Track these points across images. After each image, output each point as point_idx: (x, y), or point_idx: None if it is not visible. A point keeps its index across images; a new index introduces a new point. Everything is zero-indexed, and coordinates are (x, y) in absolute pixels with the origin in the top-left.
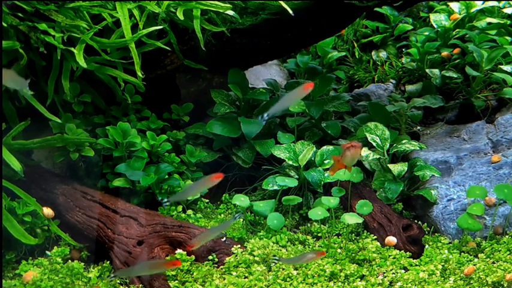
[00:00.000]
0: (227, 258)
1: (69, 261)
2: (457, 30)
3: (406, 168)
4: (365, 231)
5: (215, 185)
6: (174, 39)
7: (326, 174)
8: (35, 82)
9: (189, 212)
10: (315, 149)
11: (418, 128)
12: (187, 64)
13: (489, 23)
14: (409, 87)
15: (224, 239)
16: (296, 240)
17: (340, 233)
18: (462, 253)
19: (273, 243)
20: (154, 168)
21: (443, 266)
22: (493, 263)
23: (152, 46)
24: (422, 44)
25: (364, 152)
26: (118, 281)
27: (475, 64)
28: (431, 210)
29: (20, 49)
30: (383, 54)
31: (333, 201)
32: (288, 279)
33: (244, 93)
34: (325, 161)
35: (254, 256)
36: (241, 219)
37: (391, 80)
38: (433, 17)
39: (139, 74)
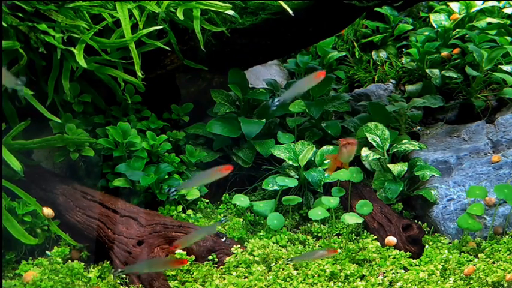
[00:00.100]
0: (227, 258)
1: (69, 261)
2: (457, 30)
3: (406, 168)
4: (365, 231)
5: (215, 185)
6: (174, 39)
7: (326, 175)
8: (35, 82)
9: (189, 212)
10: (315, 149)
11: (418, 128)
12: (187, 64)
13: (489, 23)
14: (409, 87)
15: (224, 239)
16: (296, 240)
17: (340, 233)
18: (462, 253)
19: (273, 243)
20: (154, 168)
21: (443, 266)
22: (493, 263)
23: (152, 46)
24: (422, 44)
25: (364, 152)
26: (118, 281)
27: (475, 64)
28: (431, 210)
29: (20, 49)
30: (383, 54)
31: (333, 201)
32: (288, 279)
33: (244, 93)
34: (325, 161)
35: (254, 256)
36: (226, 222)
37: (391, 80)
38: (433, 17)
39: (139, 74)
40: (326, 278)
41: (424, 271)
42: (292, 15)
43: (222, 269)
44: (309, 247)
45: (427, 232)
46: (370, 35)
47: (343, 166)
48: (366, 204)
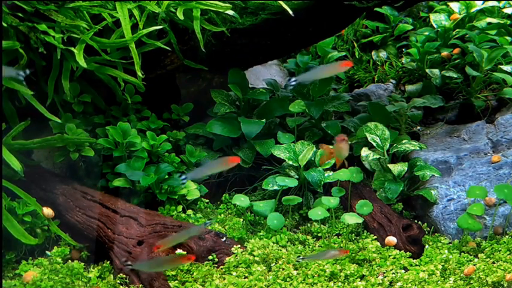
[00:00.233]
0: (227, 258)
1: (69, 261)
2: (457, 30)
3: (406, 168)
4: (365, 231)
5: (215, 185)
6: (174, 39)
7: (326, 175)
8: (35, 82)
9: (189, 212)
10: (315, 149)
11: (418, 128)
12: (187, 64)
13: (489, 23)
14: (409, 87)
15: (224, 239)
16: (296, 240)
17: (340, 233)
18: (462, 253)
19: (273, 243)
20: (154, 168)
21: (443, 266)
22: (493, 263)
23: (152, 46)
24: (422, 44)
25: (364, 152)
26: (118, 281)
27: (475, 64)
28: (431, 210)
29: (20, 49)
30: (383, 54)
31: (333, 201)
32: (288, 279)
33: (244, 93)
34: (326, 162)
35: (254, 256)
36: (210, 225)
37: (391, 80)
38: (433, 17)
39: (139, 74)
40: (326, 278)
41: (424, 271)
42: (292, 15)
43: (222, 269)
44: (309, 247)
45: (427, 232)
46: (370, 35)
47: (336, 162)
48: (366, 204)
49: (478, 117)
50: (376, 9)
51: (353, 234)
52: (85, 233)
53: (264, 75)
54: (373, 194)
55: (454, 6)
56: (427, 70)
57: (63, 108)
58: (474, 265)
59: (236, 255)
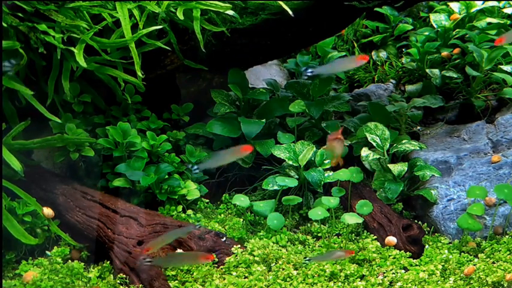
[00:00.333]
0: (227, 258)
1: (69, 261)
2: (457, 30)
3: (406, 168)
4: (365, 231)
5: (215, 185)
6: (174, 39)
7: (326, 175)
8: (35, 82)
9: (189, 212)
10: (315, 149)
11: (418, 128)
12: (187, 64)
13: (489, 23)
14: (409, 87)
15: (224, 239)
16: (296, 240)
17: (340, 233)
18: (462, 253)
19: (273, 243)
20: (154, 168)
21: (443, 266)
22: (493, 263)
23: (152, 46)
24: (422, 44)
25: (364, 152)
26: (118, 281)
27: (475, 64)
28: (431, 210)
29: (20, 49)
30: (383, 54)
31: (333, 201)
32: (288, 279)
33: (244, 93)
34: (325, 161)
35: (254, 256)
36: (199, 227)
37: (391, 80)
38: (433, 17)
39: (139, 74)
40: (326, 278)
41: (424, 271)
42: (292, 15)
43: (222, 269)
44: (309, 247)
45: (427, 232)
46: (370, 35)
47: (337, 160)
48: (366, 204)
49: (478, 117)
50: (376, 9)
51: (353, 234)
52: (85, 233)
53: (264, 75)
54: (373, 194)
55: (454, 6)
56: (427, 70)
57: (63, 108)
58: (474, 265)
59: (236, 255)
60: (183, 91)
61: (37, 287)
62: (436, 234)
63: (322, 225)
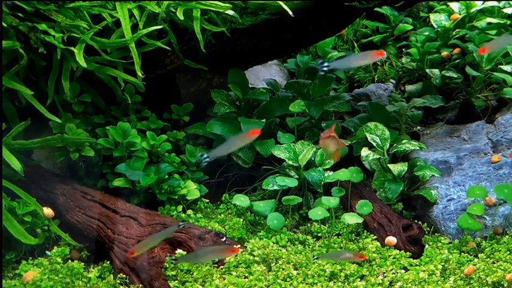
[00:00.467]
0: (227, 258)
1: (69, 261)
2: (457, 30)
3: (406, 168)
4: (365, 231)
5: (215, 185)
6: (174, 39)
7: (326, 175)
8: (35, 82)
9: (189, 212)
10: (315, 149)
11: (418, 128)
12: (187, 64)
13: (489, 23)
14: (409, 87)
15: (224, 239)
16: (296, 240)
17: (340, 233)
18: (462, 253)
19: (273, 243)
20: (154, 168)
21: (443, 266)
22: (493, 263)
23: (152, 46)
24: (422, 44)
25: (364, 152)
26: (118, 281)
27: (475, 64)
28: (431, 210)
29: (20, 49)
30: None
31: (333, 201)
32: (288, 279)
33: (244, 93)
34: (325, 161)
35: (254, 256)
36: (184, 226)
37: (391, 80)
38: (433, 17)
39: (139, 74)
40: (326, 278)
41: (424, 271)
42: (292, 15)
43: (222, 269)
44: (309, 247)
45: (427, 232)
46: (370, 35)
47: (334, 157)
48: (366, 204)
49: (478, 117)
50: (376, 9)
51: (353, 234)
52: (85, 233)
53: (264, 75)
54: (373, 194)
55: (454, 6)
56: (427, 70)
57: (63, 108)
58: (474, 265)
59: (236, 255)
60: (183, 91)
61: (37, 287)
62: (436, 234)
63: (322, 225)
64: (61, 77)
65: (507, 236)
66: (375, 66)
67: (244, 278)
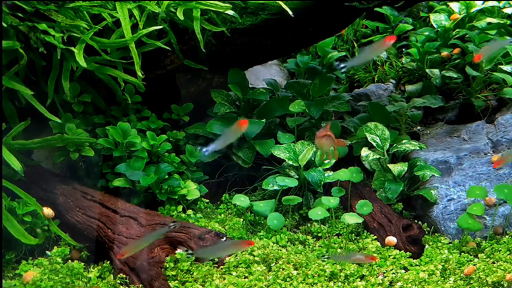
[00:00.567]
0: (227, 258)
1: (69, 261)
2: (457, 30)
3: (406, 168)
4: (365, 231)
5: (215, 185)
6: (174, 39)
7: (326, 175)
8: (35, 82)
9: (189, 212)
10: (315, 149)
11: (418, 128)
12: (187, 64)
13: (489, 23)
14: (409, 87)
15: (224, 239)
16: (296, 240)
17: (340, 233)
18: (462, 253)
19: (273, 243)
20: (154, 168)
21: (443, 266)
22: (493, 263)
23: (152, 46)
24: (422, 44)
25: (364, 152)
26: (118, 281)
27: (475, 64)
28: (431, 210)
29: (20, 49)
30: (383, 54)
31: (333, 201)
32: (288, 279)
33: (244, 93)
34: (325, 161)
35: (254, 256)
36: (174, 227)
37: (391, 80)
38: (433, 17)
39: (139, 74)
40: (326, 278)
41: (424, 271)
42: (292, 15)
43: (222, 269)
44: (309, 247)
45: (427, 232)
46: (370, 35)
47: (330, 156)
48: (366, 204)
49: (478, 117)
50: (376, 9)
51: (353, 234)
52: (85, 233)
53: (264, 75)
54: (373, 194)
55: (454, 6)
56: (427, 70)
57: (63, 108)
58: (474, 265)
59: (236, 255)
60: (183, 91)
61: (37, 287)
62: (436, 234)
63: (322, 225)
64: (61, 77)
65: (507, 236)
66: (375, 66)
67: (244, 278)
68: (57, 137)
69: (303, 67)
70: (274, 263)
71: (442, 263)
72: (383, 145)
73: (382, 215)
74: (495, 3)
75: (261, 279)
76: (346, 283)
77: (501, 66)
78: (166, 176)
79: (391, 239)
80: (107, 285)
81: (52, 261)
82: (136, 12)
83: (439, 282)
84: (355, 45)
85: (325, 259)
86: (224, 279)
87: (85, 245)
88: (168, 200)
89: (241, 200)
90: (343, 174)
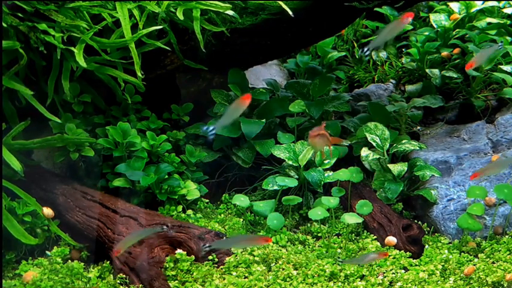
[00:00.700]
0: (227, 258)
1: (69, 261)
2: (457, 30)
3: (406, 168)
4: (365, 231)
5: (215, 185)
6: (174, 39)
7: (326, 175)
8: (35, 82)
9: (189, 212)
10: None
11: (418, 128)
12: (187, 64)
13: (489, 23)
14: (409, 87)
15: (224, 239)
16: (296, 240)
17: (340, 233)
18: (462, 253)
19: (273, 243)
20: (154, 168)
21: (443, 266)
22: (493, 263)
23: (152, 46)
24: (422, 44)
25: (364, 152)
26: (118, 281)
27: None
28: (431, 210)
29: (20, 49)
30: (383, 54)
31: (333, 201)
32: (288, 279)
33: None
34: (325, 161)
35: (254, 256)
36: (164, 229)
37: (391, 80)
38: (433, 17)
39: (139, 74)
40: (326, 278)
41: (424, 271)
42: (292, 15)
43: (222, 269)
44: (309, 247)
45: (427, 232)
46: (370, 35)
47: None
48: (366, 204)
49: (478, 117)
50: (376, 9)
51: (353, 234)
52: (85, 233)
53: (264, 75)
54: (373, 194)
55: (454, 6)
56: (427, 70)
57: (63, 108)
58: (474, 265)
59: (236, 255)
60: (183, 91)
61: (37, 287)
62: (436, 234)
63: (322, 225)
64: (61, 77)
65: (507, 236)
66: (375, 66)
67: (244, 278)
68: (57, 137)
69: (303, 67)
70: (274, 263)
71: (442, 263)
72: (383, 145)
73: (382, 215)
74: (495, 3)
75: (260, 279)
76: (346, 283)
77: (501, 66)
78: (166, 176)
79: (391, 239)
80: (107, 285)
81: (52, 261)
82: (136, 12)
83: (439, 282)
84: (355, 45)
85: (340, 262)
86: (224, 279)
87: (85, 245)
88: (168, 200)
89: (241, 200)
90: (343, 174)
